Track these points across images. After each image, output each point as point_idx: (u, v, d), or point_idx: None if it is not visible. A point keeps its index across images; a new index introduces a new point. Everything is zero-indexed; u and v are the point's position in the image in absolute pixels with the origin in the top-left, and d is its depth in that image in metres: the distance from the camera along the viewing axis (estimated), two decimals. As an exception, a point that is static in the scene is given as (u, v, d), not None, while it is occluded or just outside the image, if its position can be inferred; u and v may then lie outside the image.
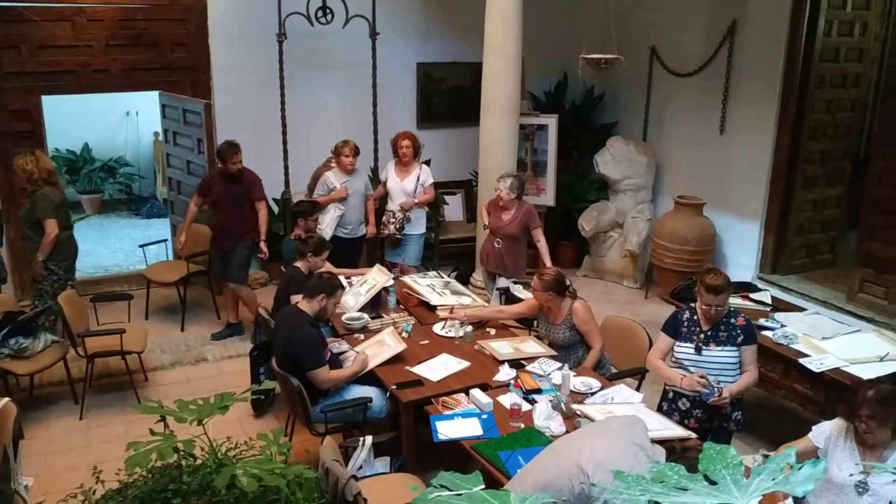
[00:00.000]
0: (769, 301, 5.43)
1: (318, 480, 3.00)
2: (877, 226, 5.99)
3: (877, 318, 5.78)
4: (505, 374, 4.31)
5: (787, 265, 6.90)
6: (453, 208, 8.09)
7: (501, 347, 4.61)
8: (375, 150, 7.34)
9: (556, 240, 7.63)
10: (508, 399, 3.96)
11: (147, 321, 6.64)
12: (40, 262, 5.57)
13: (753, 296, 5.47)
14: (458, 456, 3.76)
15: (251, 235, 6.23)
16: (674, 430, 3.68)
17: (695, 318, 4.14)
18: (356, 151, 6.40)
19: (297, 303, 4.52)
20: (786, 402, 4.87)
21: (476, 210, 7.06)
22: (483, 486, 1.81)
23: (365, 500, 3.18)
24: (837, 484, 3.21)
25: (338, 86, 7.62)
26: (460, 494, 1.77)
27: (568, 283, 4.71)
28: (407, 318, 5.17)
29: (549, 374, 4.27)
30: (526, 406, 3.92)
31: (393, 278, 5.59)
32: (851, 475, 3.17)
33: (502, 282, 5.85)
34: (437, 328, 4.95)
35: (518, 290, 5.55)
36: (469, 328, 4.85)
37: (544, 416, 3.74)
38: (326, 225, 6.34)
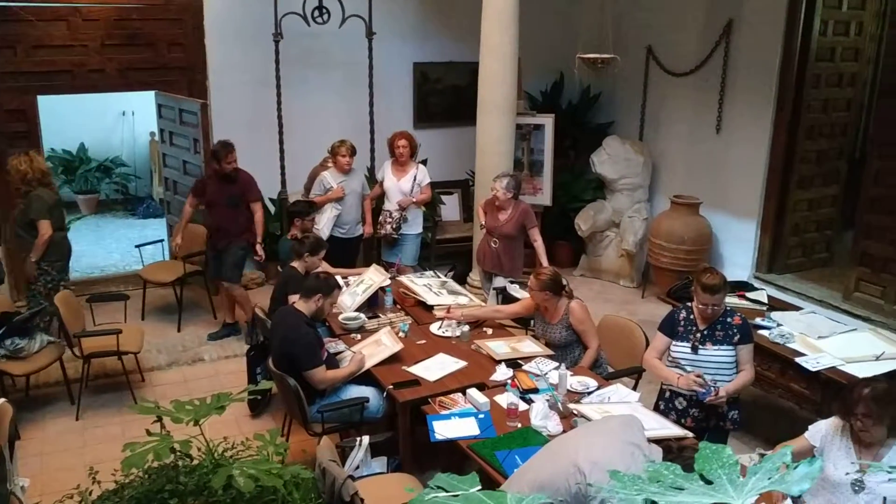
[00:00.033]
0: (765, 300, 5.44)
1: (314, 481, 3.00)
2: (872, 225, 6.01)
3: (873, 317, 5.79)
4: (502, 373, 4.31)
5: (784, 264, 6.92)
6: (450, 208, 8.09)
7: (498, 347, 4.61)
8: (372, 150, 7.34)
9: (552, 239, 7.62)
10: (505, 399, 3.96)
11: (143, 321, 6.63)
12: (33, 263, 5.57)
13: (750, 295, 5.47)
14: (455, 456, 3.76)
15: (246, 235, 6.22)
16: (670, 430, 3.68)
17: (691, 317, 4.15)
18: (353, 151, 6.40)
19: (294, 303, 4.51)
20: (782, 401, 4.88)
21: (473, 210, 7.07)
22: (479, 487, 1.81)
23: (362, 500, 3.18)
24: (834, 482, 3.21)
25: (334, 85, 7.62)
26: (457, 495, 1.77)
27: (564, 282, 4.71)
28: (404, 317, 5.16)
29: (546, 373, 4.27)
30: (523, 406, 3.92)
31: (390, 278, 5.59)
32: (847, 474, 3.17)
33: (499, 281, 5.85)
34: (434, 328, 4.95)
35: (515, 290, 5.55)
36: (466, 328, 4.85)
37: (541, 416, 3.74)
38: (323, 225, 6.34)
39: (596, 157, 7.81)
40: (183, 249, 6.45)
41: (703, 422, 4.10)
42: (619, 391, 4.13)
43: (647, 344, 4.51)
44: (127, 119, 10.40)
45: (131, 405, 4.46)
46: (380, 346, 4.59)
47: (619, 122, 8.33)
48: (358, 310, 5.17)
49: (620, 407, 3.87)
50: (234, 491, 2.52)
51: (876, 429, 3.14)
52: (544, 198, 7.70)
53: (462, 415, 3.87)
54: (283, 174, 7.11)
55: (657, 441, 3.20)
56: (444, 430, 3.75)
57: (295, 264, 5.21)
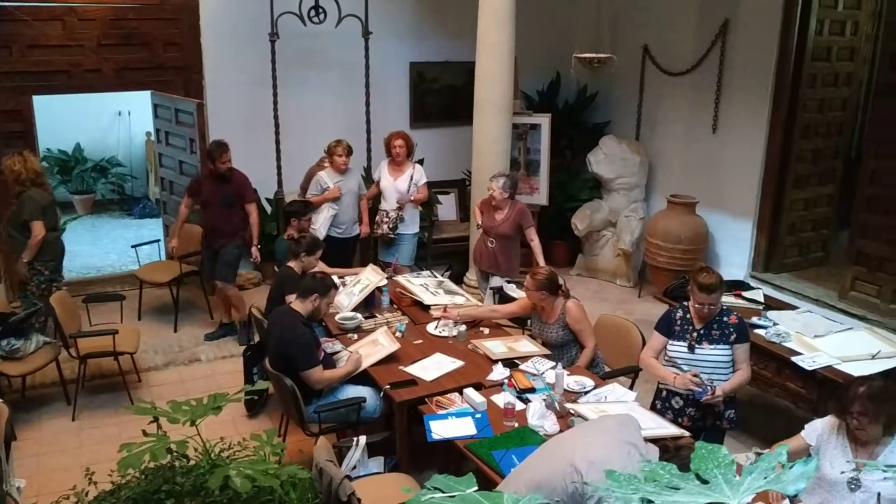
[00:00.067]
0: (761, 299, 5.45)
1: (311, 481, 3.00)
2: (868, 224, 6.02)
3: (868, 316, 5.81)
4: (498, 373, 4.31)
5: (780, 263, 6.93)
6: (446, 208, 8.09)
7: (495, 347, 4.61)
8: (368, 150, 7.34)
9: (549, 239, 7.64)
10: (502, 398, 3.96)
11: (140, 322, 6.62)
12: (25, 264, 5.56)
13: (746, 294, 5.48)
14: (452, 455, 3.77)
15: (241, 235, 6.22)
16: (667, 429, 3.68)
17: (688, 316, 4.16)
18: (349, 151, 6.39)
19: (291, 303, 4.51)
20: (778, 400, 4.88)
21: (469, 209, 7.06)
22: (476, 488, 1.81)
23: (359, 500, 3.18)
24: (830, 481, 3.22)
25: (330, 85, 7.61)
26: (453, 496, 1.77)
27: (561, 282, 4.72)
28: (400, 317, 5.16)
29: (543, 373, 4.28)
30: (520, 405, 3.92)
31: (386, 278, 5.59)
32: (843, 472, 3.18)
33: (496, 281, 5.86)
34: (431, 328, 4.94)
35: (511, 290, 5.55)
36: (462, 327, 4.85)
37: (538, 415, 3.74)
38: (320, 225, 6.33)
39: (592, 157, 7.81)
40: (179, 250, 6.43)
41: (700, 421, 4.11)
42: (616, 390, 4.13)
43: (644, 343, 4.51)
44: (123, 119, 10.38)
45: (128, 406, 4.47)
46: (376, 345, 4.59)
47: (616, 121, 8.33)
48: (355, 310, 5.16)
49: (617, 406, 3.88)
50: (230, 491, 2.52)
51: (872, 427, 3.15)
52: (541, 197, 7.71)
53: (459, 414, 3.87)
54: (279, 174, 7.10)
55: (654, 440, 3.21)
56: (440, 429, 3.75)
57: (291, 264, 5.21)
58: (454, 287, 5.67)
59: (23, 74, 6.61)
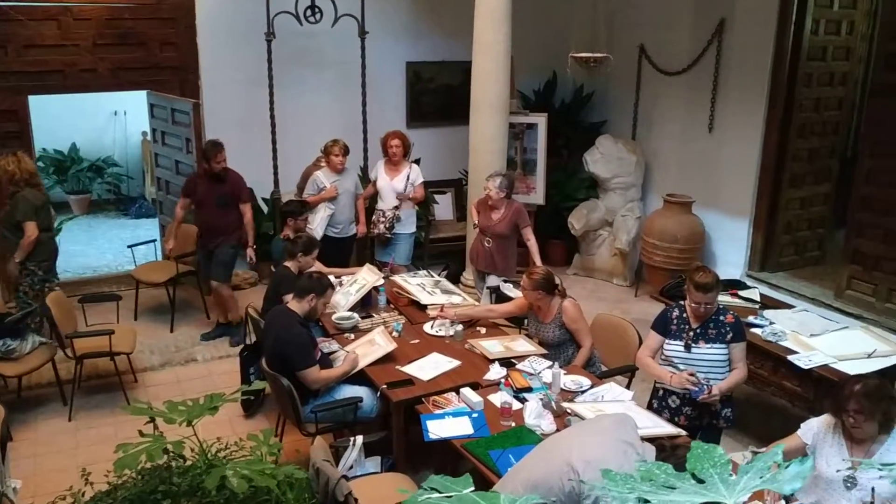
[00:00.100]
0: (758, 298, 5.46)
1: (308, 481, 3.00)
2: (864, 223, 6.03)
3: (865, 315, 5.82)
4: (495, 372, 4.31)
5: (776, 262, 6.94)
6: (443, 207, 8.09)
7: (492, 346, 4.61)
8: (365, 150, 7.33)
9: (545, 238, 7.64)
10: (499, 398, 3.96)
11: (136, 322, 6.61)
12: (17, 264, 5.54)
13: (742, 293, 5.49)
14: (448, 455, 3.77)
15: (237, 234, 6.21)
16: (664, 428, 3.69)
17: (684, 315, 4.16)
18: (346, 151, 6.39)
19: (287, 303, 4.50)
20: (775, 399, 4.89)
21: (466, 209, 7.06)
22: (473, 489, 1.81)
23: (356, 499, 3.18)
24: (826, 479, 3.23)
25: (327, 85, 7.61)
26: (450, 496, 1.77)
27: (557, 281, 4.72)
28: (397, 317, 5.16)
29: (540, 372, 4.28)
30: (516, 405, 3.92)
31: (383, 277, 5.59)
32: (839, 471, 3.19)
33: (492, 280, 5.86)
34: (428, 327, 4.94)
35: (508, 289, 5.56)
36: (459, 327, 4.85)
37: (535, 415, 3.74)
38: (317, 224, 6.33)
39: (589, 156, 7.82)
40: (176, 250, 6.43)
41: (697, 420, 4.11)
42: (613, 390, 4.14)
43: (640, 342, 4.52)
44: (119, 119, 10.37)
45: (124, 406, 4.45)
46: (373, 345, 4.59)
47: (612, 120, 8.34)
48: (351, 309, 5.16)
49: (614, 405, 3.88)
50: (227, 491, 2.52)
51: (867, 425, 3.16)
52: (537, 197, 7.71)
53: (456, 414, 3.87)
54: (275, 174, 7.09)
55: (650, 439, 3.21)
56: (437, 429, 3.75)
57: (288, 264, 5.21)
58: (451, 287, 5.67)
59: (18, 74, 6.60)
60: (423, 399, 4.07)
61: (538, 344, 4.70)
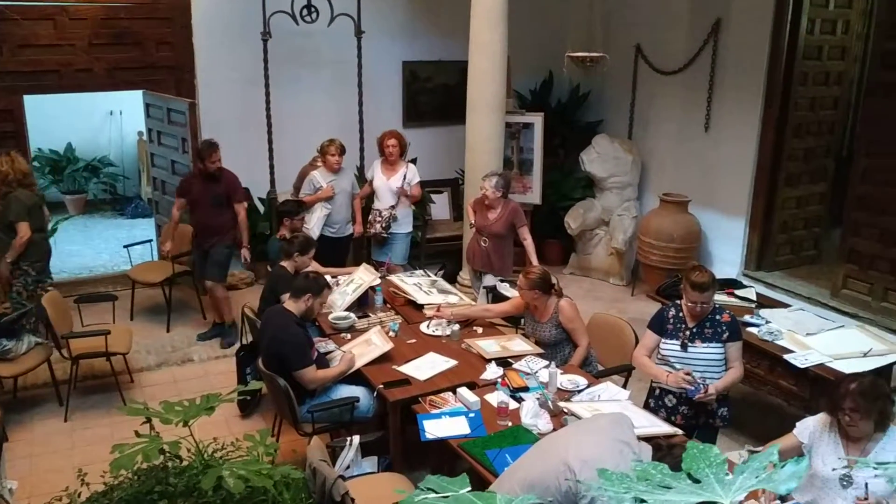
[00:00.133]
0: (754, 297, 5.47)
1: (305, 481, 2.99)
2: (860, 222, 6.05)
3: (860, 314, 5.84)
4: (492, 372, 4.31)
5: (772, 262, 6.95)
6: (440, 207, 8.09)
7: (488, 346, 4.61)
8: (361, 149, 7.33)
9: (542, 238, 7.64)
10: (496, 397, 3.96)
11: (132, 322, 6.59)
12: (8, 264, 5.53)
13: (738, 292, 5.50)
14: (445, 455, 3.77)
15: (232, 234, 6.20)
16: (660, 427, 3.70)
17: (680, 315, 4.16)
18: (342, 150, 6.38)
19: (284, 302, 4.50)
20: (771, 398, 4.90)
21: (462, 208, 7.07)
22: (469, 489, 1.81)
23: (353, 499, 3.18)
24: (822, 478, 3.24)
25: (323, 84, 7.60)
26: (447, 497, 1.77)
27: (554, 281, 4.72)
28: (394, 317, 5.16)
29: (536, 372, 4.28)
30: (513, 404, 3.93)
31: (380, 277, 5.59)
32: (835, 469, 3.20)
33: (489, 280, 5.86)
34: (424, 327, 4.94)
35: (505, 289, 5.55)
36: (456, 327, 4.85)
37: (531, 414, 3.75)
38: (313, 224, 6.32)
39: (585, 156, 7.82)
40: (172, 250, 6.42)
41: (693, 419, 4.12)
42: (609, 389, 4.14)
43: (637, 342, 4.52)
44: (115, 118, 10.34)
45: (120, 406, 4.45)
46: (370, 345, 4.59)
47: (608, 120, 8.34)
48: (348, 309, 5.16)
49: (610, 405, 3.89)
50: (223, 492, 2.51)
51: (863, 423, 3.17)
52: (534, 196, 7.71)
53: (452, 414, 3.87)
54: (272, 173, 7.09)
55: (647, 439, 3.22)
56: (434, 429, 3.75)
57: (285, 264, 5.20)
58: (447, 286, 5.67)
59: (13, 74, 6.59)
60: (419, 399, 4.07)
61: (535, 343, 4.70)
